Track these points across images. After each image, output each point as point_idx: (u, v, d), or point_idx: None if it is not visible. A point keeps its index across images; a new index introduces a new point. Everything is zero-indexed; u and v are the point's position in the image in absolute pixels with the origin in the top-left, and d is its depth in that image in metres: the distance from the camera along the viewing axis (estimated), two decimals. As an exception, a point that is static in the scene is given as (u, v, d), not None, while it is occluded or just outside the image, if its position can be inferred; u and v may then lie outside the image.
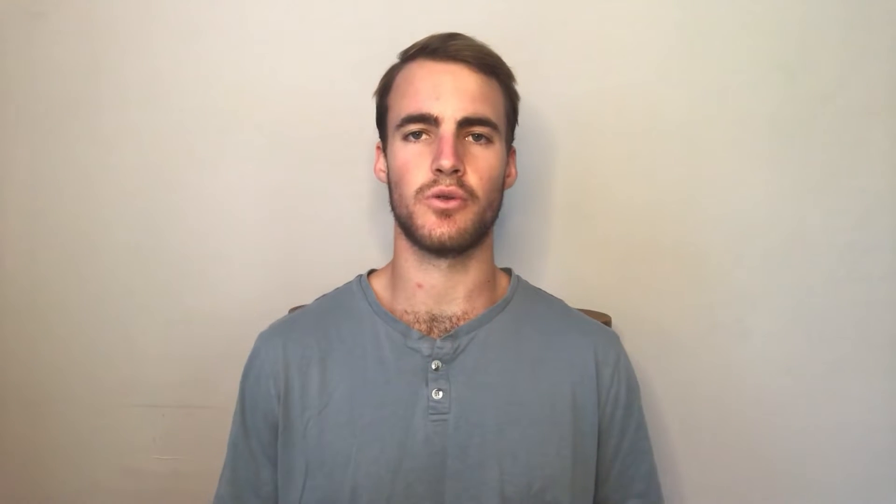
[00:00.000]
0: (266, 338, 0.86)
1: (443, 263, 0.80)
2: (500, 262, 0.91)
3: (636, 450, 0.86)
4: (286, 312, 0.97)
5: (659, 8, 1.02)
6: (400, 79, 0.82)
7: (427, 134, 0.78)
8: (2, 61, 1.08)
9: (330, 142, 1.05)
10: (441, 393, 0.79)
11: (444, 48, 0.79)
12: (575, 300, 0.93)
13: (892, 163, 1.00)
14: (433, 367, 0.79)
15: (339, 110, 1.03)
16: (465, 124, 0.77)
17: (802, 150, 1.01)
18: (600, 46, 1.02)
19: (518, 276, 0.89)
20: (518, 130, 0.89)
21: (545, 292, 0.91)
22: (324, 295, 0.90)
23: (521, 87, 0.87)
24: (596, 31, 1.02)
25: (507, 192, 0.87)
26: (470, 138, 0.79)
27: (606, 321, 0.99)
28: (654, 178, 1.03)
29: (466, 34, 0.82)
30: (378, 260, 0.97)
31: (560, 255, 1.05)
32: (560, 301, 0.91)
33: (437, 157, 0.76)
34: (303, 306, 0.93)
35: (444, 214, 0.77)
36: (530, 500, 0.78)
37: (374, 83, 0.86)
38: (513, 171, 0.88)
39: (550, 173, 1.04)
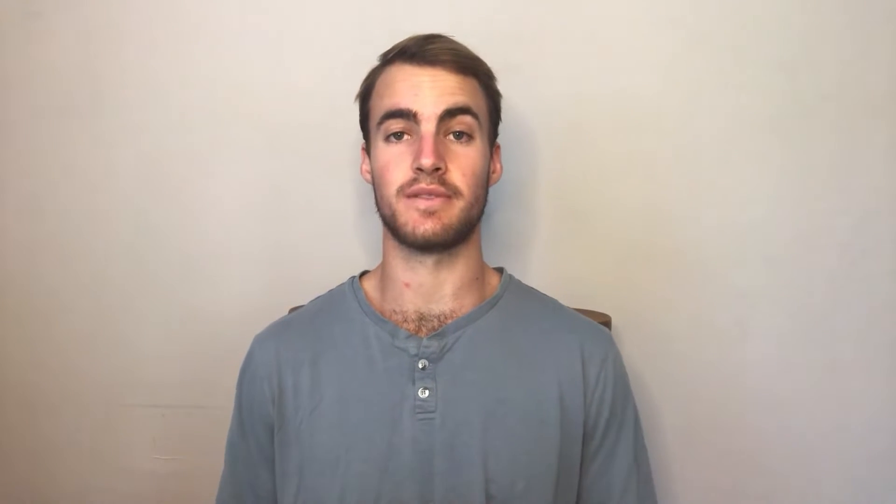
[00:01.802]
0: (260, 340, 0.87)
1: (429, 261, 0.80)
2: (499, 260, 0.91)
3: (614, 452, 0.84)
4: (286, 312, 0.97)
5: (659, 8, 1.01)
6: (380, 82, 0.82)
7: (408, 134, 0.78)
8: (1, 61, 1.08)
9: (328, 142, 1.05)
10: (427, 392, 0.79)
11: (421, 52, 0.79)
12: (574, 299, 0.93)
13: (892, 163, 1.00)
14: (420, 366, 0.79)
15: (338, 110, 1.02)
16: (446, 118, 0.77)
17: (802, 149, 1.01)
18: (599, 45, 1.02)
19: (510, 275, 0.89)
20: (516, 129, 0.89)
21: (538, 291, 0.90)
22: (319, 296, 0.91)
23: (517, 86, 0.87)
24: (594, 31, 1.02)
25: (504, 191, 0.87)
26: (451, 137, 0.78)
27: (606, 321, 0.99)
28: (654, 178, 1.03)
29: (459, 35, 0.82)
30: (376, 259, 0.97)
31: (559, 254, 1.05)
32: (553, 300, 0.90)
33: (417, 156, 0.76)
34: (301, 307, 0.93)
35: (428, 213, 0.76)
36: (514, 498, 0.77)
37: (368, 84, 0.86)
38: (498, 167, 0.87)
39: (551, 172, 1.04)
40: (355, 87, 0.86)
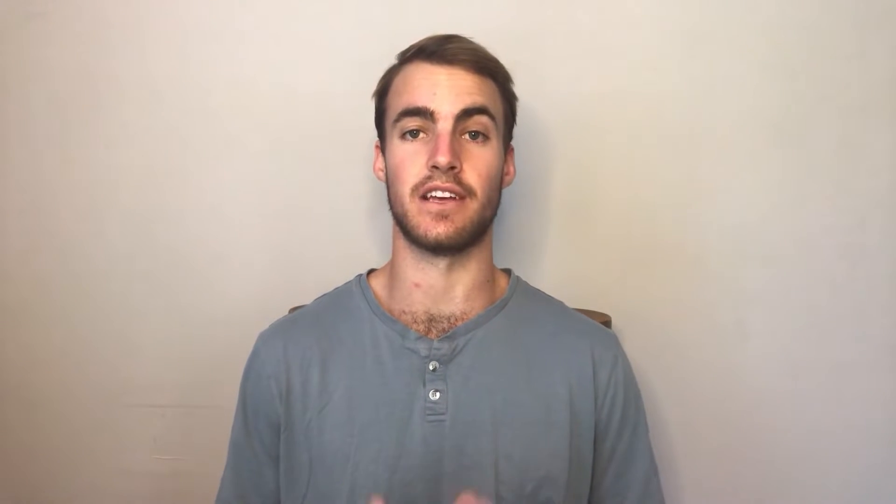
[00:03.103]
0: (266, 338, 0.86)
1: (441, 263, 0.80)
2: (500, 261, 0.91)
3: (632, 454, 0.85)
4: (286, 312, 0.97)
5: (659, 8, 1.02)
6: (398, 80, 0.82)
7: (424, 132, 0.78)
8: (1, 61, 1.08)
9: (330, 142, 1.05)
10: (438, 394, 0.79)
11: (441, 51, 0.79)
12: (575, 300, 0.93)
13: (892, 163, 1.00)
14: (430, 367, 0.79)
15: (339, 110, 1.03)
16: (462, 117, 0.77)
17: (802, 150, 1.01)
18: (601, 46, 1.02)
19: (517, 277, 0.89)
20: (519, 130, 0.89)
21: (544, 293, 0.91)
22: (324, 294, 0.90)
23: (521, 86, 0.87)
24: (596, 31, 1.02)
25: (506, 191, 0.87)
26: (467, 136, 0.79)
27: (606, 321, 0.99)
28: (655, 178, 1.03)
29: (465, 35, 0.82)
30: (378, 259, 0.97)
31: (560, 254, 1.06)
32: (559, 302, 0.90)
33: (433, 154, 0.76)
34: (302, 306, 0.93)
35: (441, 216, 0.76)
36: (523, 500, 0.78)
37: (374, 83, 0.86)
38: (511, 169, 0.88)
39: (551, 173, 1.04)
40: (359, 86, 0.87)
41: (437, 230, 0.76)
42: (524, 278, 0.91)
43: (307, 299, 0.92)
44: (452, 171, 0.76)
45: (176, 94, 1.07)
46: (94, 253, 1.09)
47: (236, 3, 1.06)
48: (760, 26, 1.01)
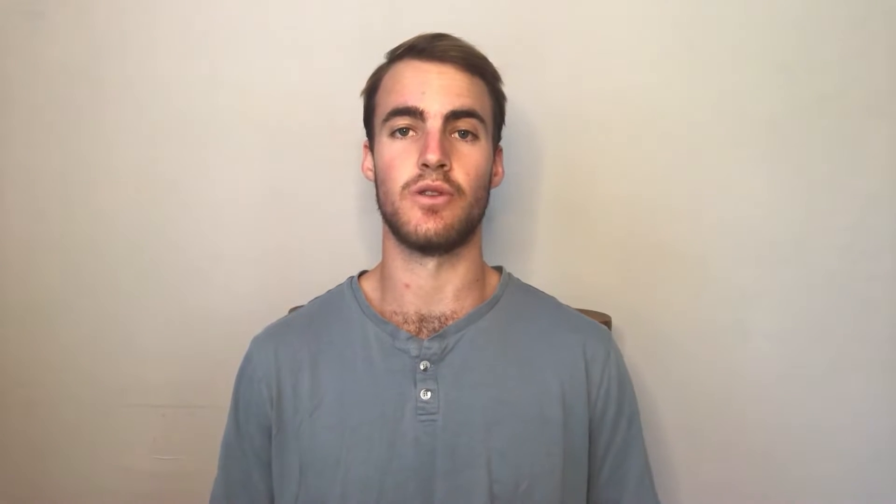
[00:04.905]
0: (258, 342, 0.87)
1: (430, 263, 0.80)
2: (494, 261, 0.91)
3: (628, 447, 0.85)
4: (286, 312, 0.97)
5: (658, 8, 1.01)
6: (387, 78, 0.82)
7: (414, 130, 0.78)
8: (1, 61, 1.08)
9: (328, 142, 1.05)
10: (429, 393, 0.78)
11: (430, 49, 0.79)
12: (574, 300, 0.93)
13: (892, 163, 1.00)
14: (421, 367, 0.79)
15: (338, 111, 1.03)
16: (451, 118, 0.77)
17: (802, 150, 1.01)
18: (599, 45, 1.02)
19: (509, 274, 0.89)
20: (514, 129, 0.89)
21: (537, 289, 0.90)
22: (317, 297, 0.90)
23: (518, 85, 0.87)
24: (595, 31, 1.02)
25: (504, 191, 0.87)
26: (456, 135, 0.79)
27: (606, 321, 0.99)
28: (654, 178, 1.03)
29: (460, 34, 0.82)
30: (378, 259, 0.97)
31: (559, 254, 1.05)
32: (552, 298, 0.90)
33: (423, 151, 0.76)
34: (301, 307, 0.93)
35: (431, 210, 0.76)
36: (518, 499, 0.78)
37: (368, 84, 0.86)
38: (500, 170, 0.88)
39: (549, 172, 1.04)
40: (355, 86, 0.87)
41: (427, 225, 0.76)
42: (524, 278, 0.91)
43: (307, 299, 0.92)
44: (442, 168, 0.76)
45: (175, 94, 1.07)
46: (96, 253, 1.09)
47: (236, 4, 1.06)
48: (760, 26, 1.00)
